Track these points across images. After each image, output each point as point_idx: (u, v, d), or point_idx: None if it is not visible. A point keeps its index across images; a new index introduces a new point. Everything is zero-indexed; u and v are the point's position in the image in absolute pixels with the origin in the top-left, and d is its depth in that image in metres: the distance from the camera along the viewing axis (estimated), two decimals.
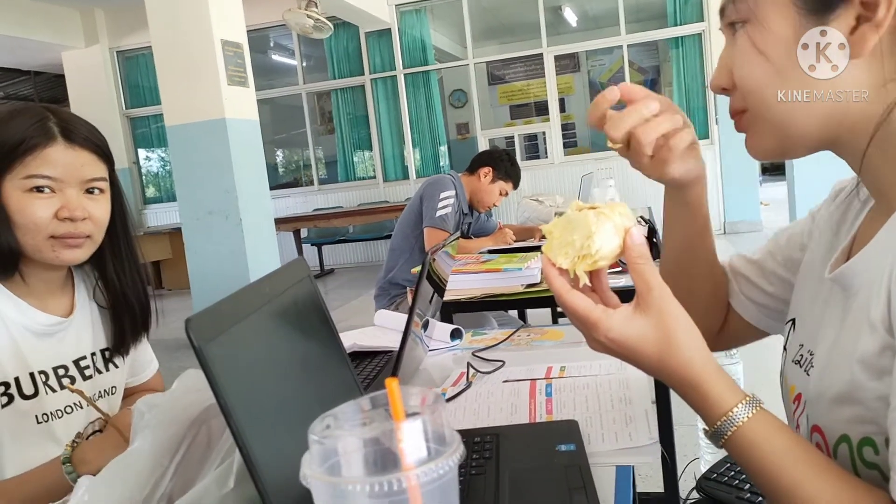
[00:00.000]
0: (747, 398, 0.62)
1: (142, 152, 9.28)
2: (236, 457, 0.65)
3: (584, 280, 0.65)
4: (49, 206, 1.05)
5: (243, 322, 0.64)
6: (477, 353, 1.39)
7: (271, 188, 5.38)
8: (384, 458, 0.44)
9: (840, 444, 0.63)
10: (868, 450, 0.60)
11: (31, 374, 1.08)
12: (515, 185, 3.32)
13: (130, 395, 1.28)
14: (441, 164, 8.74)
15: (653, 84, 9.54)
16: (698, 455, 2.12)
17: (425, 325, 1.41)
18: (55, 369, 1.11)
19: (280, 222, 6.75)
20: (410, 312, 1.18)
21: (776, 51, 0.64)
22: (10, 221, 1.03)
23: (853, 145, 0.65)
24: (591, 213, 0.64)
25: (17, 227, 1.04)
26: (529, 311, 3.31)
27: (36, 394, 1.08)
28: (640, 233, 0.64)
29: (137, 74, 8.94)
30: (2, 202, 1.03)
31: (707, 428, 0.63)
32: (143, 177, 9.35)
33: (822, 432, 0.66)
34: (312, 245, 8.43)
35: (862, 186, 0.70)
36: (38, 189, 1.04)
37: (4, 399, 1.04)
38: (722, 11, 0.70)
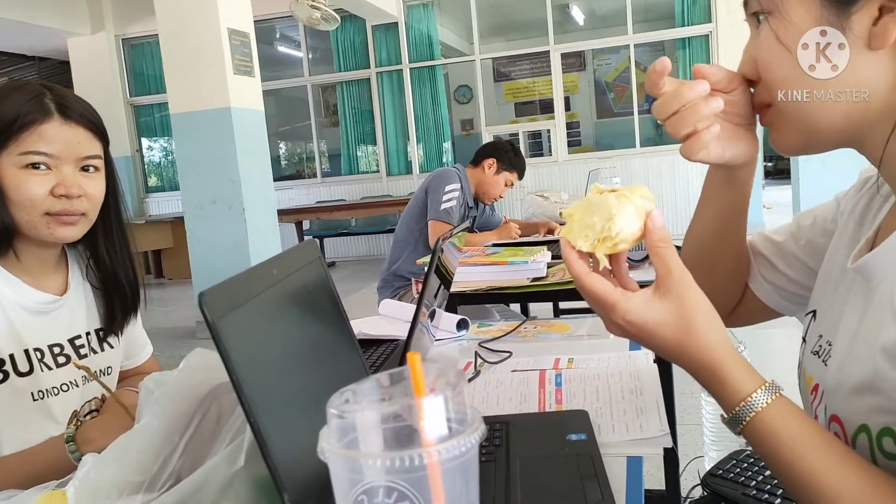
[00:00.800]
0: (766, 384, 0.61)
1: (145, 141, 9.28)
2: (247, 435, 0.64)
3: (604, 263, 0.64)
4: (45, 182, 1.04)
5: (255, 299, 0.63)
6: (483, 344, 1.38)
7: (274, 180, 5.37)
8: (403, 435, 0.43)
9: (859, 435, 0.62)
10: (888, 440, 0.60)
11: (26, 351, 1.07)
12: (521, 176, 3.31)
13: (125, 378, 1.28)
14: (445, 159, 8.73)
15: None
16: (698, 454, 2.11)
17: (432, 315, 1.40)
18: (50, 347, 1.11)
19: (283, 214, 6.74)
20: (420, 298, 1.17)
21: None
22: (5, 198, 1.03)
23: (876, 139, 0.64)
24: (611, 195, 0.63)
25: (12, 204, 1.03)
26: (531, 306, 3.30)
27: (31, 371, 1.07)
28: (661, 216, 0.63)
29: (142, 62, 8.94)
30: None
31: (725, 414, 0.62)
32: (146, 165, 9.35)
33: (841, 422, 0.65)
34: (314, 237, 8.42)
35: (883, 183, 0.69)
36: (34, 166, 1.03)
37: (0, 376, 1.03)
38: (745, 1, 0.69)
